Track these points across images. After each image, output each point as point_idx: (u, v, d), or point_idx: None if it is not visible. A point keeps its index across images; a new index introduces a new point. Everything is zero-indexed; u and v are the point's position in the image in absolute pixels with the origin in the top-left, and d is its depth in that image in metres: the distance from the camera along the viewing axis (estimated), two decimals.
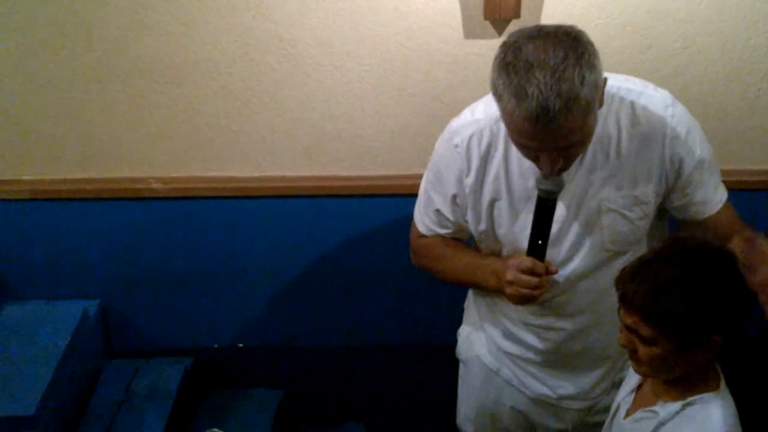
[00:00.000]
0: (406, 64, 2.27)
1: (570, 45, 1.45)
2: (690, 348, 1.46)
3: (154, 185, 2.41)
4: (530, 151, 1.55)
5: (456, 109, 1.83)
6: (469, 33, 2.21)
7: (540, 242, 1.65)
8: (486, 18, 2.17)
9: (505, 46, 1.49)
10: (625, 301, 1.49)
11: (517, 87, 1.43)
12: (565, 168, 1.59)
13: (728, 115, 2.34)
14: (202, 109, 2.32)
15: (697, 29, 2.23)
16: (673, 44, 2.25)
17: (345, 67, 2.27)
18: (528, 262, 1.66)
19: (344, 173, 2.43)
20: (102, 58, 2.24)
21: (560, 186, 1.59)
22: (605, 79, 1.52)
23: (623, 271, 1.52)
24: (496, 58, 1.50)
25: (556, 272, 1.70)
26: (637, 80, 1.72)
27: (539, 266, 1.66)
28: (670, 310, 1.42)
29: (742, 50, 2.26)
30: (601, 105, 1.55)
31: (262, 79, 2.28)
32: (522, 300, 1.70)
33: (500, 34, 2.20)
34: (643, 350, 1.49)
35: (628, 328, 1.50)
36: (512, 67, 1.45)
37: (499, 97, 1.49)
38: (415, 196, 1.97)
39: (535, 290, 1.67)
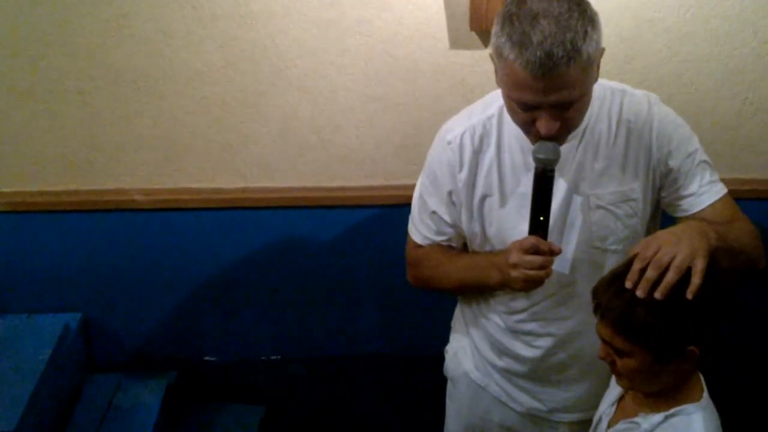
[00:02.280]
0: (392, 74, 2.26)
1: (574, 0, 1.48)
2: (667, 360, 1.45)
3: (137, 197, 2.39)
4: (528, 112, 1.54)
5: (441, 119, 1.83)
6: (455, 43, 2.21)
7: (542, 218, 1.61)
8: (471, 29, 2.17)
9: (509, 1, 1.51)
10: (599, 313, 1.49)
11: (521, 35, 1.45)
12: (561, 137, 1.58)
13: (715, 125, 2.35)
14: (185, 120, 2.31)
15: (683, 38, 2.24)
16: (659, 54, 2.25)
17: (330, 76, 2.26)
18: (531, 239, 1.62)
19: (330, 183, 2.42)
20: (83, 68, 2.22)
21: (557, 154, 1.58)
22: (603, 50, 1.54)
23: (599, 282, 1.52)
24: (498, 14, 1.51)
25: (560, 252, 1.66)
26: (622, 84, 1.75)
27: (543, 243, 1.62)
28: (643, 323, 1.42)
29: (727, 59, 2.27)
30: (596, 78, 1.56)
31: (246, 89, 2.27)
32: (528, 284, 1.66)
33: (485, 44, 2.20)
34: (620, 363, 1.49)
35: (604, 341, 1.50)
36: (516, 17, 1.46)
37: (499, 53, 1.50)
38: (401, 206, 1.96)
39: (541, 270, 1.63)
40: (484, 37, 2.19)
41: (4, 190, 2.38)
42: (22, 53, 2.20)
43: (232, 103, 2.29)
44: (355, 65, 2.25)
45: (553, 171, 1.59)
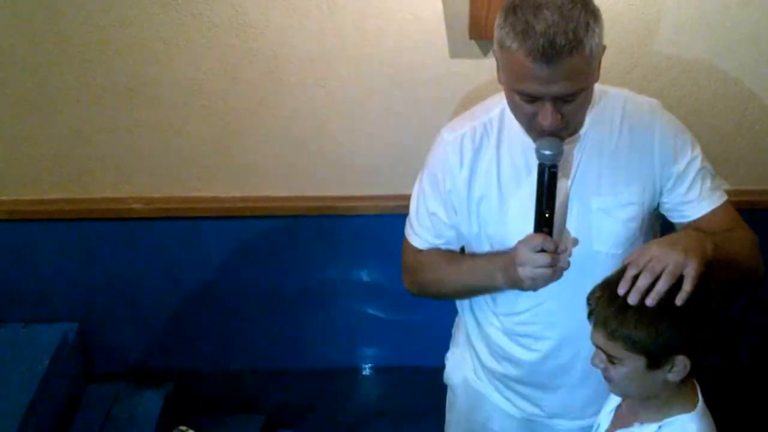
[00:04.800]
0: (391, 83, 2.26)
1: None
2: (658, 367, 1.46)
3: (134, 206, 2.38)
4: (530, 105, 1.54)
5: (441, 129, 1.81)
6: (455, 53, 2.21)
7: (547, 215, 1.61)
8: (471, 38, 2.17)
9: None
10: (592, 319, 1.50)
11: (524, 24, 1.46)
12: (562, 132, 1.58)
13: (715, 135, 2.35)
14: (183, 129, 2.30)
15: (683, 49, 2.24)
16: (659, 64, 2.26)
17: (329, 86, 2.25)
18: (538, 237, 1.61)
19: (328, 193, 2.42)
20: (81, 77, 2.22)
21: (559, 150, 1.57)
22: (604, 47, 1.54)
23: (592, 289, 1.53)
24: (501, 8, 1.52)
25: (566, 250, 1.65)
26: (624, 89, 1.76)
27: (550, 241, 1.62)
28: (634, 330, 1.43)
29: (727, 69, 2.27)
30: (597, 76, 1.56)
31: (244, 98, 2.27)
32: (538, 281, 1.64)
33: (485, 54, 2.20)
34: (612, 369, 1.49)
35: (597, 347, 1.50)
36: (519, 8, 1.48)
37: (502, 44, 1.50)
38: (400, 215, 1.95)
39: (549, 268, 1.62)
40: (484, 46, 2.19)
41: (1, 198, 2.37)
42: (20, 61, 2.19)
43: (230, 111, 2.28)
44: (355, 74, 2.24)
45: (556, 167, 1.59)
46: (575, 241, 1.72)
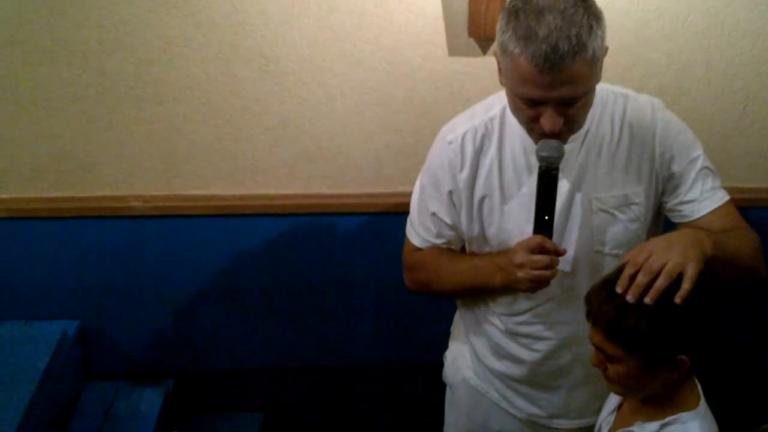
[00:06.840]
0: (390, 81, 2.26)
1: None
2: (656, 367, 1.46)
3: (134, 204, 2.38)
4: (532, 108, 1.54)
5: (440, 126, 1.82)
6: (454, 50, 2.21)
7: (546, 217, 1.61)
8: (470, 36, 2.17)
9: None
10: (590, 318, 1.50)
11: (527, 29, 1.45)
12: (564, 135, 1.58)
13: (714, 133, 2.35)
14: (182, 127, 2.30)
15: (682, 46, 2.23)
16: (658, 62, 2.25)
17: (328, 84, 2.25)
18: (537, 239, 1.62)
19: (327, 191, 2.41)
20: (81, 75, 2.21)
21: (561, 152, 1.58)
22: (607, 48, 1.54)
23: (591, 288, 1.53)
24: (503, 10, 1.52)
25: (565, 252, 1.66)
26: (626, 88, 1.76)
27: (549, 243, 1.62)
28: (632, 329, 1.43)
29: (726, 68, 2.27)
30: (599, 77, 1.56)
31: (243, 96, 2.26)
32: (535, 283, 1.65)
33: (484, 52, 2.20)
34: (611, 369, 1.49)
35: (596, 347, 1.51)
36: (522, 12, 1.47)
37: (504, 49, 1.50)
38: (399, 213, 1.95)
39: (547, 270, 1.63)
40: (483, 44, 2.19)
41: (2, 196, 2.37)
42: (20, 60, 2.19)
43: (229, 110, 2.28)
44: (353, 72, 2.24)
45: (557, 170, 1.59)
46: (576, 242, 1.73)
